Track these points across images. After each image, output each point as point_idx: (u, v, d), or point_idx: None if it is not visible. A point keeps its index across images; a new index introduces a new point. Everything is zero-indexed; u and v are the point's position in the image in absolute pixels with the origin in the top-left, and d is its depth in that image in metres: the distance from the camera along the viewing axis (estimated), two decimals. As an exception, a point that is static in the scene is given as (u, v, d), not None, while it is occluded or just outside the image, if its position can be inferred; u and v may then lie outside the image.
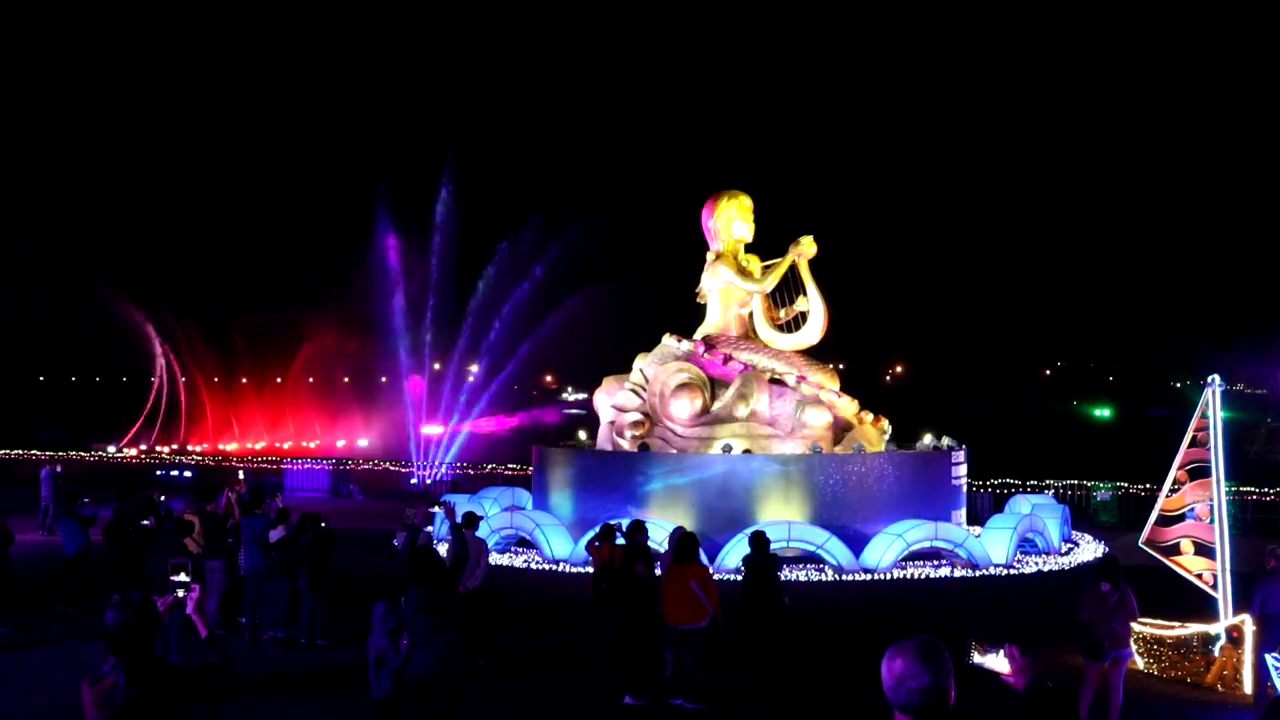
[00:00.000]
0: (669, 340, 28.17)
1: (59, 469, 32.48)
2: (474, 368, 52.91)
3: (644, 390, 27.32)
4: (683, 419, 26.55)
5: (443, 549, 19.43)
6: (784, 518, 24.04)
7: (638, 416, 26.95)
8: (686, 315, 29.47)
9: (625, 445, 26.70)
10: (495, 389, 52.05)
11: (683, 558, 13.92)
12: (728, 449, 25.48)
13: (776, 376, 27.00)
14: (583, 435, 31.22)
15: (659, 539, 18.56)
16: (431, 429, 50.06)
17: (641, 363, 28.11)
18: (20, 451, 48.03)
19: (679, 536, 14.51)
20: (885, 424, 27.62)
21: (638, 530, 15.34)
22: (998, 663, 4.88)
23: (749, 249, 28.63)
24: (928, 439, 29.07)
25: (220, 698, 13.27)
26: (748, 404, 26.20)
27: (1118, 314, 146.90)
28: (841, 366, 32.47)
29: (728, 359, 27.28)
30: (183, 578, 7.04)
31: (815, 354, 28.48)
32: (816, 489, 24.80)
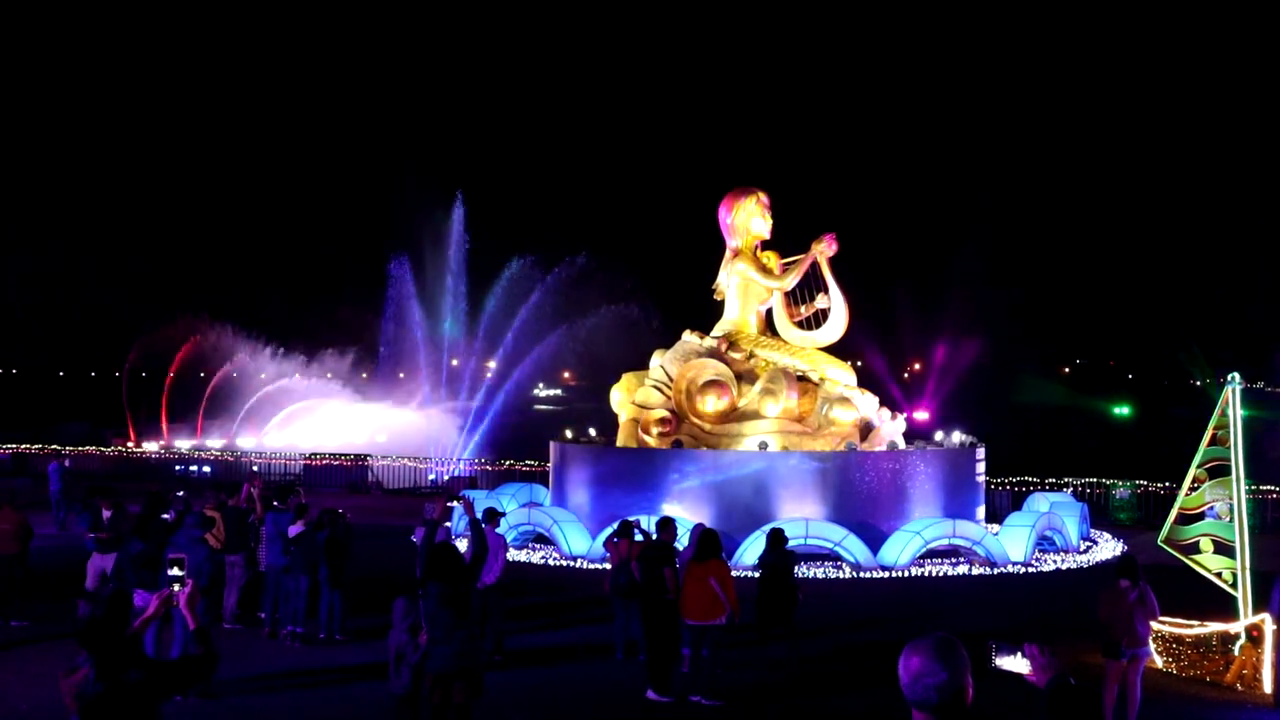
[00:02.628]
0: (689, 337, 28.06)
1: (68, 464, 32.62)
2: (491, 363, 53.01)
3: (667, 387, 27.19)
4: (711, 416, 26.50)
5: (462, 545, 19.46)
6: (817, 516, 23.99)
7: (664, 413, 26.84)
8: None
9: (651, 442, 26.64)
10: (512, 384, 52.09)
11: (704, 555, 13.95)
12: (764, 446, 25.36)
13: (799, 373, 26.95)
14: (593, 431, 31.15)
15: (679, 535, 18.55)
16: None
17: (661, 359, 27.96)
18: (40, 446, 48.24)
19: (700, 533, 14.52)
20: (902, 420, 27.59)
21: (666, 526, 15.34)
22: (1019, 664, 4.88)
23: (766, 246, 28.58)
24: (939, 435, 28.95)
25: (207, 690, 13.35)
26: (776, 400, 26.09)
27: (1139, 312, 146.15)
28: (859, 363, 32.44)
29: (750, 356, 27.23)
30: (176, 571, 7.09)
31: (835, 351, 28.42)
32: (851, 486, 24.79)
